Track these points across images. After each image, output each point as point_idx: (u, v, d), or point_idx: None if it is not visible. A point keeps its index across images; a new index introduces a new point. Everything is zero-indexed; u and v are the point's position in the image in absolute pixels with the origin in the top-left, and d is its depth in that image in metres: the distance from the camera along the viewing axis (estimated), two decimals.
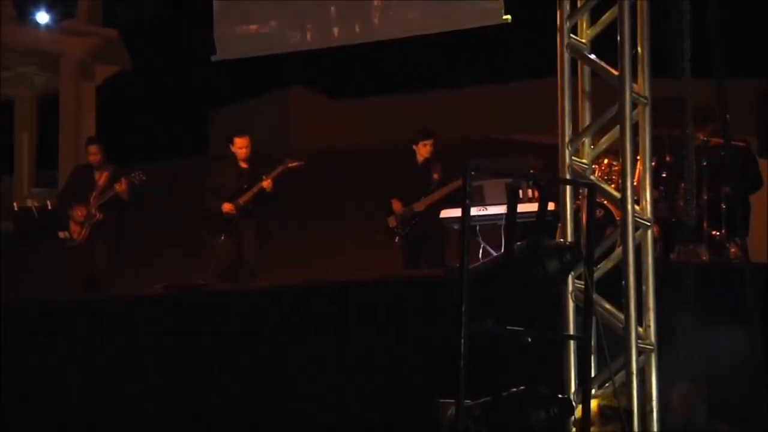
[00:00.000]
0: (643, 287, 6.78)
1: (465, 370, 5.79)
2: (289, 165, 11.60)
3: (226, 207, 11.55)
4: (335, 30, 10.12)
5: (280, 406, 9.44)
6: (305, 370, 9.36)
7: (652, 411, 6.68)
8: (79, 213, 11.80)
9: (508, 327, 6.02)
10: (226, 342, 9.66)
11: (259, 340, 9.55)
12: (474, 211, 10.47)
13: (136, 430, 9.80)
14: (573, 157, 7.05)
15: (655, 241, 7.01)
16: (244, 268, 11.58)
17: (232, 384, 9.57)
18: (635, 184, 6.93)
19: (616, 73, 6.85)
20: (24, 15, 15.68)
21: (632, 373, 6.60)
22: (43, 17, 15.65)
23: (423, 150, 11.73)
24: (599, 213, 9.18)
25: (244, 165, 11.73)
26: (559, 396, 6.18)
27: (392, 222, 11.68)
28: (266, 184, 11.51)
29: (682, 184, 9.62)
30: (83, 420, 9.93)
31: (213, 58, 10.45)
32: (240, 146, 11.72)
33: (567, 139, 7.01)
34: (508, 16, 9.10)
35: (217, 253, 11.63)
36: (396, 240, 11.67)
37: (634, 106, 6.86)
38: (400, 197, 11.69)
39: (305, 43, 10.30)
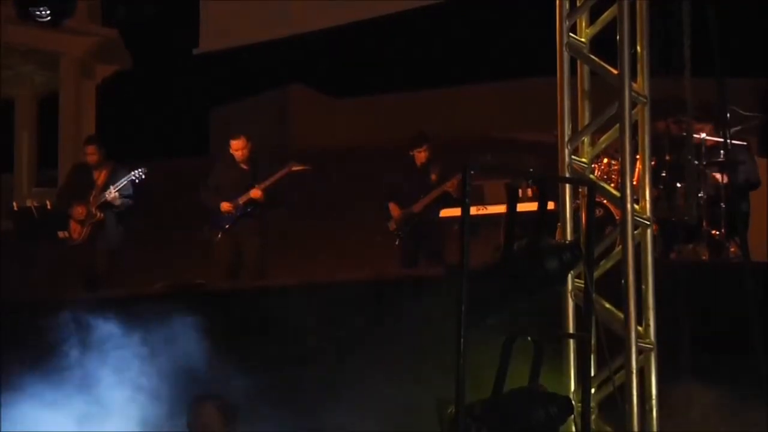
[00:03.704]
0: (643, 286, 6.78)
1: (464, 370, 5.79)
2: (294, 169, 11.52)
3: (225, 206, 11.51)
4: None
5: (280, 405, 9.43)
6: (306, 369, 9.36)
7: (651, 410, 6.69)
8: (78, 212, 11.78)
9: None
10: (227, 341, 9.65)
11: (259, 339, 9.54)
12: (473, 210, 10.46)
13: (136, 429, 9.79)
14: (572, 156, 7.05)
15: (654, 240, 7.01)
16: (246, 267, 11.54)
17: (232, 384, 9.56)
18: (635, 183, 6.93)
19: (615, 72, 6.85)
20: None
21: (632, 372, 6.60)
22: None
23: (419, 156, 11.74)
24: (599, 212, 9.17)
25: (244, 166, 11.64)
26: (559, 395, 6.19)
27: (392, 226, 11.71)
28: (254, 193, 11.43)
29: (681, 184, 9.63)
30: (82, 419, 9.91)
31: (195, 51, 10.42)
32: (236, 148, 11.59)
33: (566, 138, 7.01)
34: None
35: (214, 251, 11.61)
36: (397, 243, 11.70)
37: (633, 105, 6.86)
38: (398, 201, 11.70)
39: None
